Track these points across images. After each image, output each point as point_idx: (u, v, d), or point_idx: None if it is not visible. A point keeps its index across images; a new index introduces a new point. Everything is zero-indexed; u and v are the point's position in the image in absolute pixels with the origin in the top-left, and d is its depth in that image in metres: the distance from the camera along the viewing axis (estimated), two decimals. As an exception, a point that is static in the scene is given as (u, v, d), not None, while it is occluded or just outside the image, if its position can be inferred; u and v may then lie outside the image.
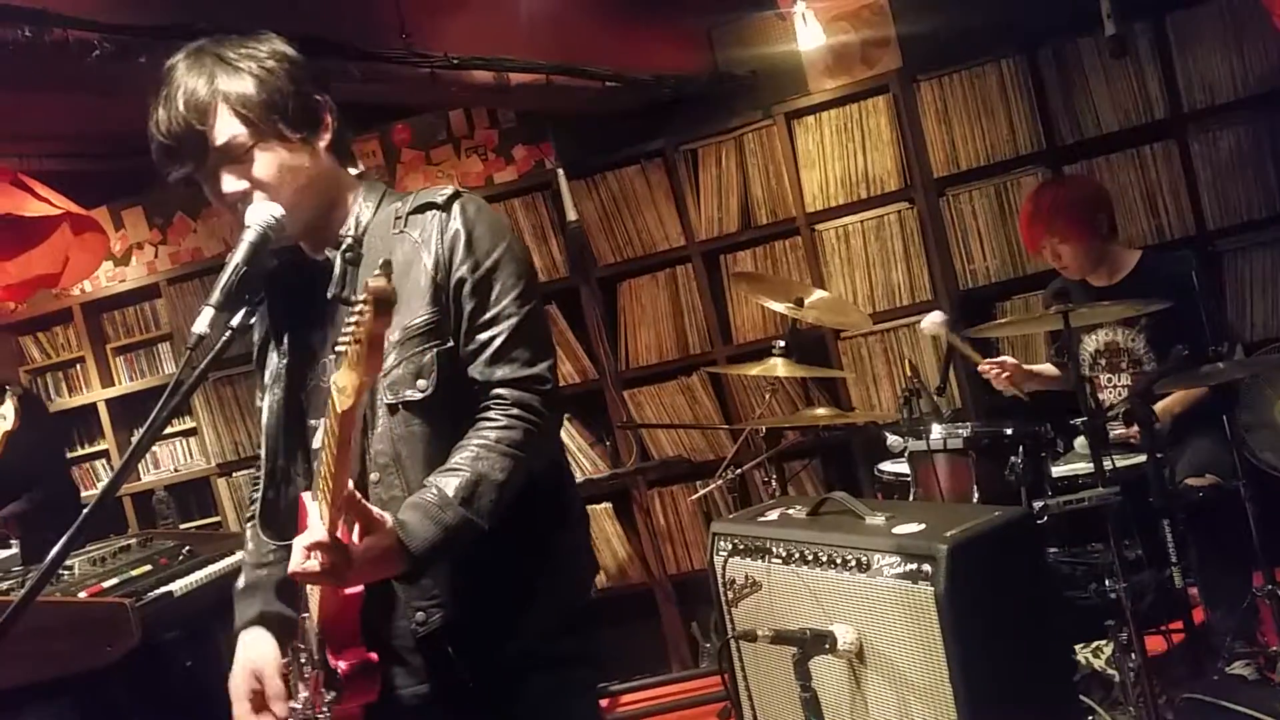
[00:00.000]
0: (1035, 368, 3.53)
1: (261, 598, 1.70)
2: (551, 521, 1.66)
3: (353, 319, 1.26)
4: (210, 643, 3.13)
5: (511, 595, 1.59)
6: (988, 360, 3.39)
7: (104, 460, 5.20)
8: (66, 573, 2.92)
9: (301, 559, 1.41)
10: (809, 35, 4.10)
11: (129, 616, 2.69)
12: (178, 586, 2.98)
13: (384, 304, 1.23)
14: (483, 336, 1.55)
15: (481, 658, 1.56)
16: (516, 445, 1.52)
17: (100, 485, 5.14)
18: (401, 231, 1.60)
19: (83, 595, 2.77)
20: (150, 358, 5.13)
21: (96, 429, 5.16)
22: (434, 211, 1.59)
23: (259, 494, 1.71)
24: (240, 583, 1.75)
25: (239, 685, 1.66)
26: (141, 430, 1.43)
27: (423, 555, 1.46)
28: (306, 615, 1.60)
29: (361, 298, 1.24)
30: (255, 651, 1.67)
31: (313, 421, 1.66)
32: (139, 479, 5.10)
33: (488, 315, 1.55)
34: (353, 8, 1.54)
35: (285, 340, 1.69)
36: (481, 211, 1.61)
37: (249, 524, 1.77)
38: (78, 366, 5.16)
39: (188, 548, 3.32)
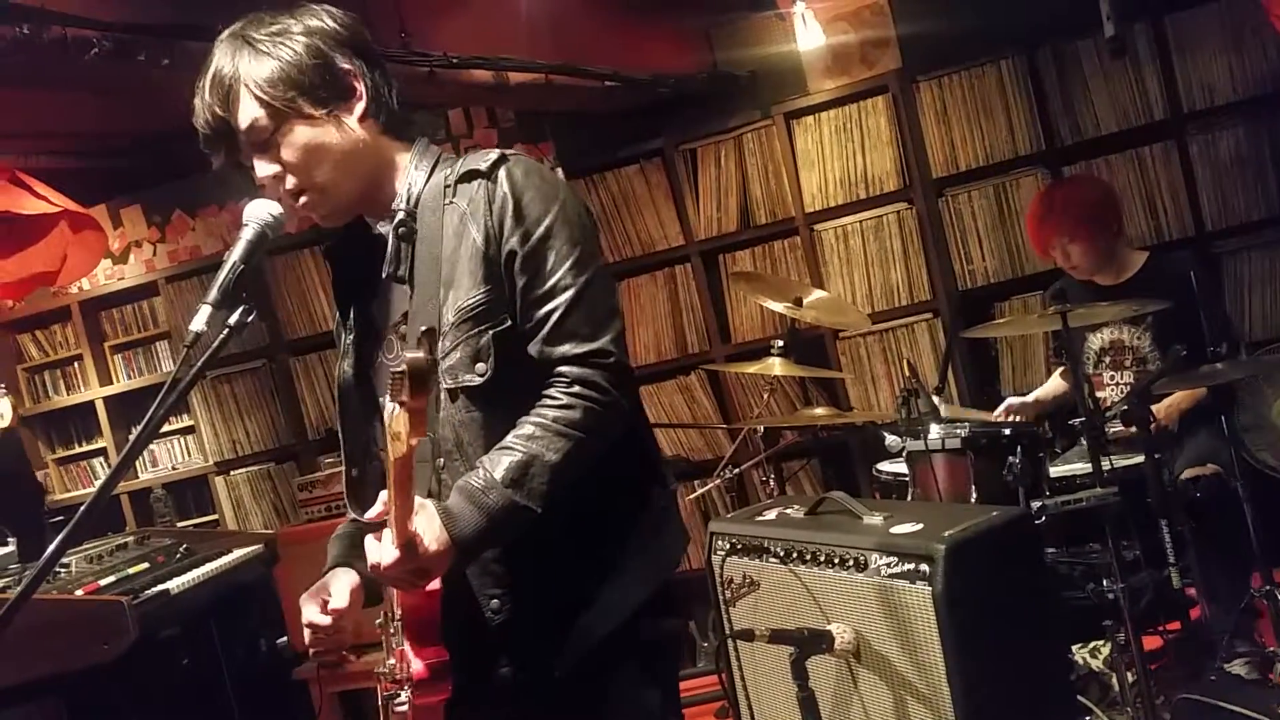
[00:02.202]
0: (1040, 393, 3.53)
1: (346, 545, 1.65)
2: (630, 503, 1.57)
3: (394, 383, 1.20)
4: (207, 640, 3.13)
5: (588, 582, 1.52)
6: (997, 412, 3.39)
7: (102, 458, 5.19)
8: (63, 570, 2.91)
9: (381, 572, 1.39)
10: (808, 35, 4.10)
11: (125, 614, 2.69)
12: (174, 585, 2.98)
13: (419, 379, 1.18)
14: (539, 312, 1.47)
15: (558, 645, 1.51)
16: (575, 425, 1.44)
17: (98, 483, 5.13)
18: (450, 202, 1.52)
19: (79, 593, 2.77)
20: (148, 356, 5.12)
21: (94, 427, 5.15)
22: (479, 180, 1.50)
23: (343, 470, 1.68)
24: (338, 530, 1.71)
25: (307, 594, 1.59)
26: (139, 428, 1.40)
27: (468, 543, 1.41)
28: (390, 594, 1.58)
29: (398, 369, 1.18)
30: (332, 578, 1.61)
31: (381, 400, 1.61)
32: (136, 477, 5.09)
33: (543, 289, 1.46)
34: (351, 6, 1.53)
35: (350, 315, 1.66)
36: (530, 174, 1.51)
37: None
38: (76, 364, 5.15)
39: (185, 546, 3.32)
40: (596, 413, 1.45)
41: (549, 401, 1.46)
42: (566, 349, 1.46)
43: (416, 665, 1.47)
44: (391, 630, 1.57)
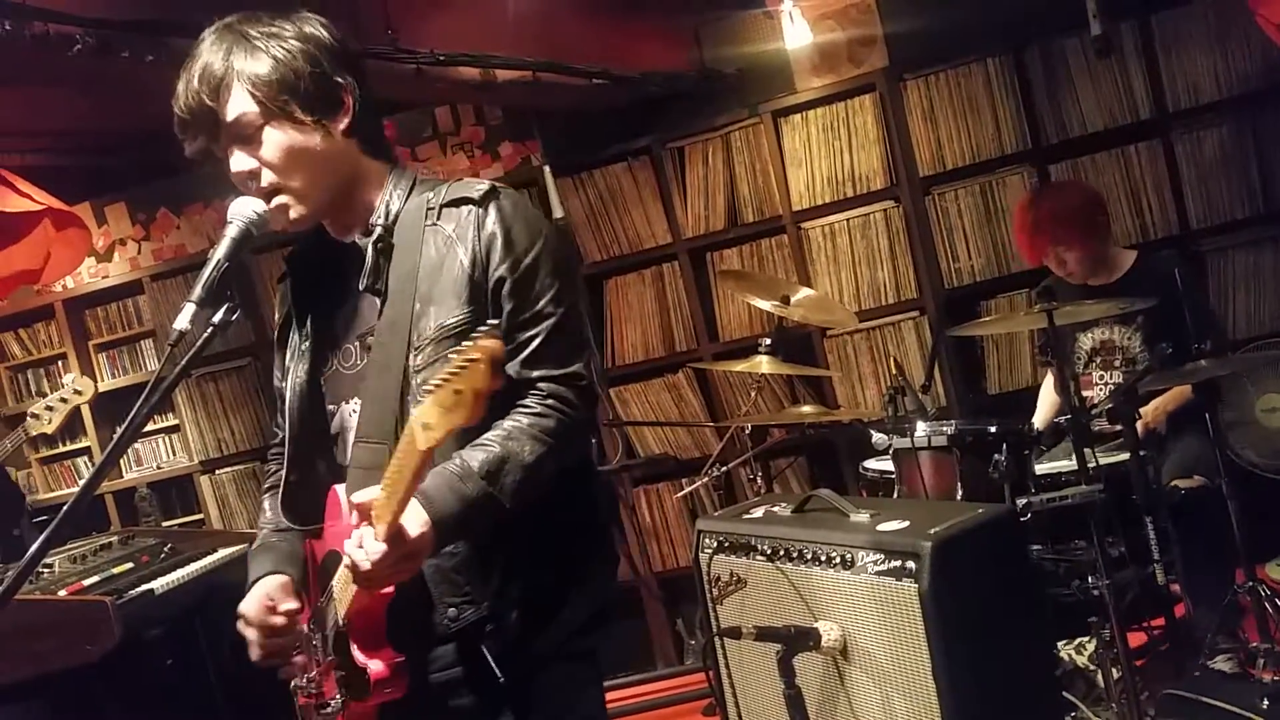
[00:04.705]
0: (1037, 424, 3.52)
1: (274, 558, 1.69)
2: (582, 519, 1.65)
3: (457, 368, 1.21)
4: (192, 641, 3.12)
5: (544, 592, 1.57)
6: None
7: (86, 457, 5.16)
8: (46, 571, 2.89)
9: (366, 571, 1.39)
10: (796, 33, 4.11)
11: (109, 615, 2.67)
12: (159, 584, 2.96)
13: (498, 364, 1.21)
14: (522, 336, 1.53)
15: (512, 654, 1.55)
16: (549, 432, 1.50)
17: (82, 482, 5.10)
18: (434, 224, 1.58)
19: (63, 593, 2.75)
20: (133, 354, 5.10)
21: (79, 426, 5.12)
22: (470, 207, 1.56)
23: (281, 474, 1.70)
24: (255, 544, 1.74)
25: (250, 602, 1.62)
26: (121, 427, 1.40)
27: (445, 526, 1.43)
28: (325, 603, 1.59)
29: (474, 355, 1.20)
30: (270, 584, 1.65)
31: (331, 406, 1.67)
32: (121, 476, 5.06)
33: (528, 314, 1.54)
34: (338, 3, 1.53)
35: (307, 322, 1.69)
36: (518, 208, 1.59)
37: (268, 493, 1.77)
38: (60, 363, 5.12)
39: (169, 545, 3.30)
40: (568, 424, 1.53)
41: (524, 409, 1.52)
42: (543, 371, 1.54)
43: (376, 666, 1.49)
44: (315, 642, 1.60)
